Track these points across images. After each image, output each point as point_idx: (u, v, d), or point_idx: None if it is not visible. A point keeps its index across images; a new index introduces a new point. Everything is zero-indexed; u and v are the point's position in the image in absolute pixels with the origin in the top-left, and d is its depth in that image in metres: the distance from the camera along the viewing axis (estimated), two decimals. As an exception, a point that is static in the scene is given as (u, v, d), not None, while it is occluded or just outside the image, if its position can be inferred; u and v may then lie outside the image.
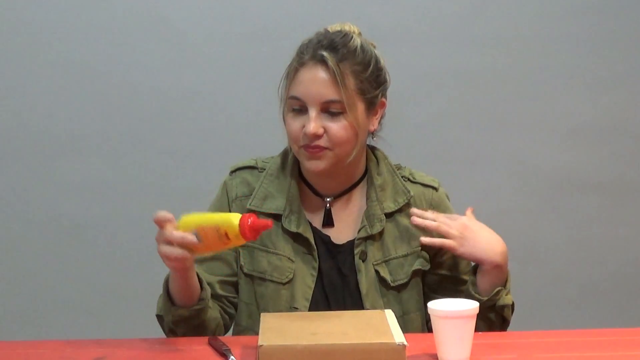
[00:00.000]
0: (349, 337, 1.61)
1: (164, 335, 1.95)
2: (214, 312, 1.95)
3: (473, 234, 1.94)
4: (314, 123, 1.88)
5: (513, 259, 3.32)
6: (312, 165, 1.92)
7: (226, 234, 1.72)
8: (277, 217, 1.98)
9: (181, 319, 1.88)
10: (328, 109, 1.89)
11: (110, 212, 3.20)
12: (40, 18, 3.14)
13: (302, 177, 2.02)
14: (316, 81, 1.88)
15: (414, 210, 1.96)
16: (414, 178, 2.03)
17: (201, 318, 1.91)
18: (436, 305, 1.66)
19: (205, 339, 1.82)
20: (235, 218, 1.72)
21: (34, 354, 1.80)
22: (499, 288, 1.94)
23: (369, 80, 1.93)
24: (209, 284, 1.94)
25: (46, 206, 3.19)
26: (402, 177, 2.02)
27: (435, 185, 2.04)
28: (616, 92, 3.30)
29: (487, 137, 3.28)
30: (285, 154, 2.04)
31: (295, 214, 1.97)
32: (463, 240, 1.93)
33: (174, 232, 1.75)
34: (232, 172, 2.05)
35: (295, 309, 1.94)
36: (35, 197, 3.18)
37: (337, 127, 1.89)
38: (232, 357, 1.69)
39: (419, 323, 2.01)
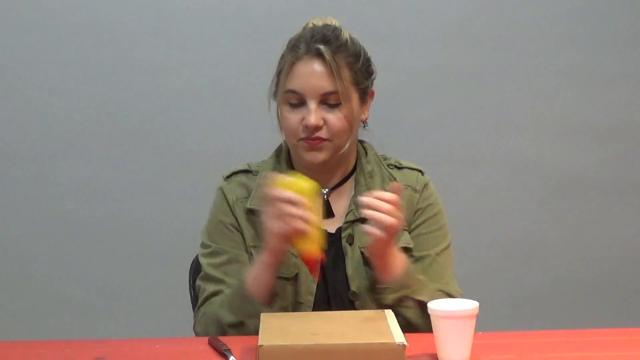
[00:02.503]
0: (349, 337, 1.61)
1: (163, 335, 1.95)
2: None
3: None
4: (314, 115, 1.91)
5: (513, 259, 3.35)
6: (312, 157, 1.94)
7: (300, 242, 1.80)
8: None
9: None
10: (326, 101, 1.92)
11: (110, 212, 3.20)
12: (40, 18, 3.14)
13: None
14: (314, 74, 1.92)
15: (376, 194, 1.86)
16: (400, 164, 2.07)
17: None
18: (436, 305, 1.66)
19: (205, 339, 1.82)
20: (316, 249, 1.81)
21: (34, 354, 1.79)
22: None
23: (361, 70, 1.97)
24: (232, 286, 1.94)
25: (46, 206, 3.19)
26: (388, 165, 2.06)
27: (422, 169, 2.07)
28: (616, 92, 3.30)
29: (487, 137, 3.28)
30: (277, 155, 2.05)
31: None
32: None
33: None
34: (227, 177, 2.05)
35: (300, 304, 1.95)
36: (35, 197, 3.18)
37: (336, 118, 1.93)
38: (232, 357, 1.69)
39: None
